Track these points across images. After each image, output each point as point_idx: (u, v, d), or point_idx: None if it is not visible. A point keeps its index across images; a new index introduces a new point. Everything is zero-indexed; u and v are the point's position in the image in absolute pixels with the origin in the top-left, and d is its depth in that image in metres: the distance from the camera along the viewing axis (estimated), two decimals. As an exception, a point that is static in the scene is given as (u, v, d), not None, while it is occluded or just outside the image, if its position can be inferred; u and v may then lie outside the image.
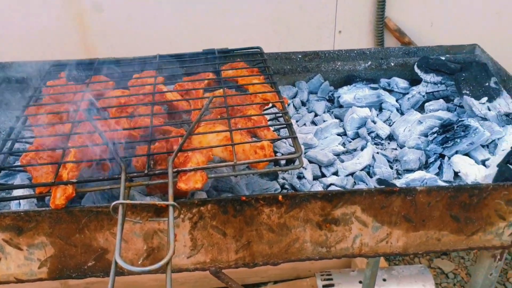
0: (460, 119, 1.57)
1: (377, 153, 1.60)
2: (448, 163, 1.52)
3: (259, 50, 1.75)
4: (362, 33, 2.94)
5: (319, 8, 2.81)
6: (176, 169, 1.19)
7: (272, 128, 1.46)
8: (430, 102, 1.74)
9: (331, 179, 1.49)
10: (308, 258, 1.30)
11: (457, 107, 1.73)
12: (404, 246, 1.31)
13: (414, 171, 1.53)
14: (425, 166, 1.56)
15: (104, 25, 2.65)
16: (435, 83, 1.76)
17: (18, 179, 1.40)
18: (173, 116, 1.53)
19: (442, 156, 1.56)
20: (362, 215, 1.25)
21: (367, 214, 1.25)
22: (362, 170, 1.53)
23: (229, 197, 1.23)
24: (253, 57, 1.73)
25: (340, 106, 1.80)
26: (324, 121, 1.72)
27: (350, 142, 1.67)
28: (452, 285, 3.00)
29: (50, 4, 2.51)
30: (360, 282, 2.50)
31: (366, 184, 1.46)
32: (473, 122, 1.54)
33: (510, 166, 1.37)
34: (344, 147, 1.62)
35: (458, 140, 1.53)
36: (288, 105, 1.81)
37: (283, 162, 1.45)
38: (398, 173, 1.56)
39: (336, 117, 1.77)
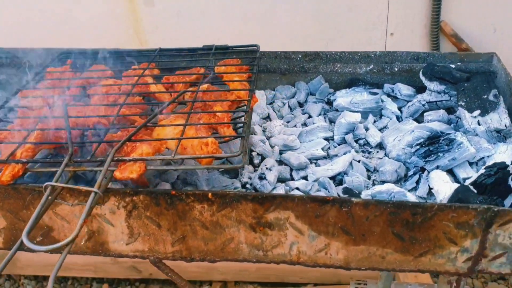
0: (447, 133, 1.45)
1: (359, 161, 1.53)
2: (426, 177, 1.42)
3: (256, 48, 1.74)
4: (416, 37, 2.77)
5: (370, 8, 2.70)
6: (116, 158, 1.23)
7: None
8: (429, 112, 1.62)
9: (298, 183, 1.45)
10: (245, 260, 1.29)
11: (459, 120, 1.59)
12: (345, 260, 1.25)
13: (391, 182, 1.45)
14: (405, 178, 1.47)
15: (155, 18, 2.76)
16: (438, 92, 1.63)
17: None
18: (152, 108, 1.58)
19: (423, 170, 1.45)
20: (297, 222, 1.21)
21: (301, 221, 1.21)
22: (333, 177, 1.47)
23: (160, 189, 1.26)
24: (246, 54, 1.73)
25: (337, 110, 1.74)
26: (313, 123, 1.67)
27: (335, 147, 1.60)
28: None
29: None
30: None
31: (328, 191, 1.40)
32: (459, 137, 1.42)
33: (473, 188, 1.24)
34: (325, 152, 1.57)
35: (441, 155, 1.41)
36: (284, 105, 1.78)
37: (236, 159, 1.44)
38: (374, 184, 1.48)
39: (331, 120, 1.71)
